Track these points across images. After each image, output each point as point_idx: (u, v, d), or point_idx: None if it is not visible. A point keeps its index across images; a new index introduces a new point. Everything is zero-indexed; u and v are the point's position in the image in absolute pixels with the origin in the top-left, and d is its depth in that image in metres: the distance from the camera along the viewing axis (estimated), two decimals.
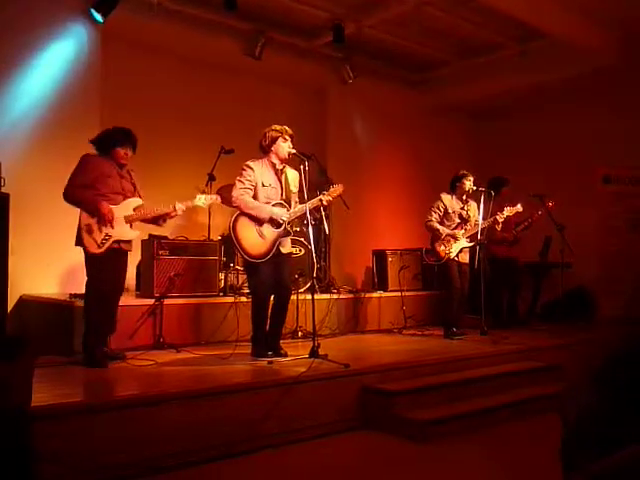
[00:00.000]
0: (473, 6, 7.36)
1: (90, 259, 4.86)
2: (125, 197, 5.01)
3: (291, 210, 5.23)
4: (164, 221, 5.21)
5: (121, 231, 4.93)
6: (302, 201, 5.23)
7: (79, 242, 4.86)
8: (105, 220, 4.82)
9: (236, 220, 5.13)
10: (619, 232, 8.61)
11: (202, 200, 5.14)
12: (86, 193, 4.81)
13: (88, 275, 4.91)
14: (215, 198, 5.29)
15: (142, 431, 3.67)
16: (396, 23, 8.02)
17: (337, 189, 5.33)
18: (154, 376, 4.60)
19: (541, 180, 8.57)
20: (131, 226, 5.03)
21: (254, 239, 5.10)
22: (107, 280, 4.95)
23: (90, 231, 4.81)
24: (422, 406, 4.64)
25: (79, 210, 4.87)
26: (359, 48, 8.51)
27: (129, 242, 5.06)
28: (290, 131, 5.23)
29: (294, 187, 5.34)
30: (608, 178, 8.73)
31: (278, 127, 5.22)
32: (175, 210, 5.09)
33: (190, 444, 3.80)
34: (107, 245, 4.85)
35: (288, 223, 5.18)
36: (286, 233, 5.21)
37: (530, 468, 3.71)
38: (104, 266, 4.89)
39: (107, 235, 4.86)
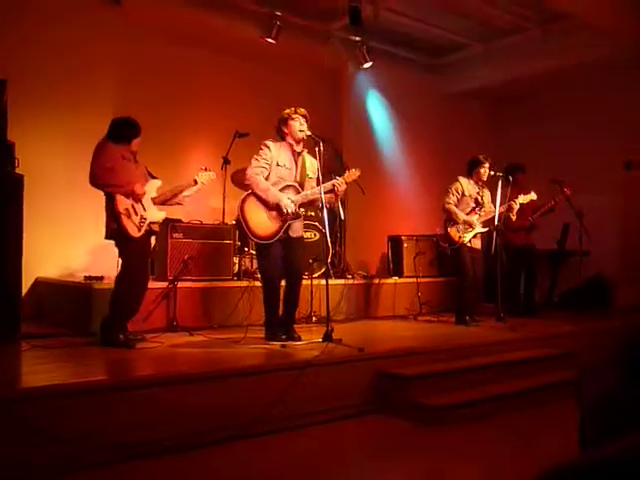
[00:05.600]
0: None
1: (128, 244, 4.82)
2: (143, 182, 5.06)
3: (301, 194, 5.13)
4: (182, 198, 5.24)
5: (152, 213, 5.00)
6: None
7: (119, 229, 4.74)
8: (140, 199, 4.88)
9: (244, 200, 5.08)
10: None
11: (202, 177, 5.19)
12: (115, 176, 4.75)
13: (124, 260, 4.86)
14: (211, 175, 5.31)
15: (155, 412, 3.66)
16: (414, 5, 7.89)
17: (353, 174, 5.20)
18: (167, 358, 4.60)
19: (561, 165, 8.41)
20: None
21: (261, 220, 5.04)
22: (143, 264, 5.02)
23: (129, 215, 4.80)
24: (437, 391, 4.59)
25: (108, 197, 4.79)
26: (376, 31, 8.38)
27: (156, 223, 5.11)
28: (302, 111, 5.14)
29: (311, 172, 5.24)
30: (630, 164, 8.57)
31: (288, 110, 5.16)
32: (196, 183, 5.16)
33: (203, 426, 3.77)
34: (144, 228, 4.89)
35: (299, 207, 5.11)
36: (296, 216, 5.13)
37: (545, 454, 3.66)
38: (140, 250, 4.94)
39: (143, 218, 4.89)
